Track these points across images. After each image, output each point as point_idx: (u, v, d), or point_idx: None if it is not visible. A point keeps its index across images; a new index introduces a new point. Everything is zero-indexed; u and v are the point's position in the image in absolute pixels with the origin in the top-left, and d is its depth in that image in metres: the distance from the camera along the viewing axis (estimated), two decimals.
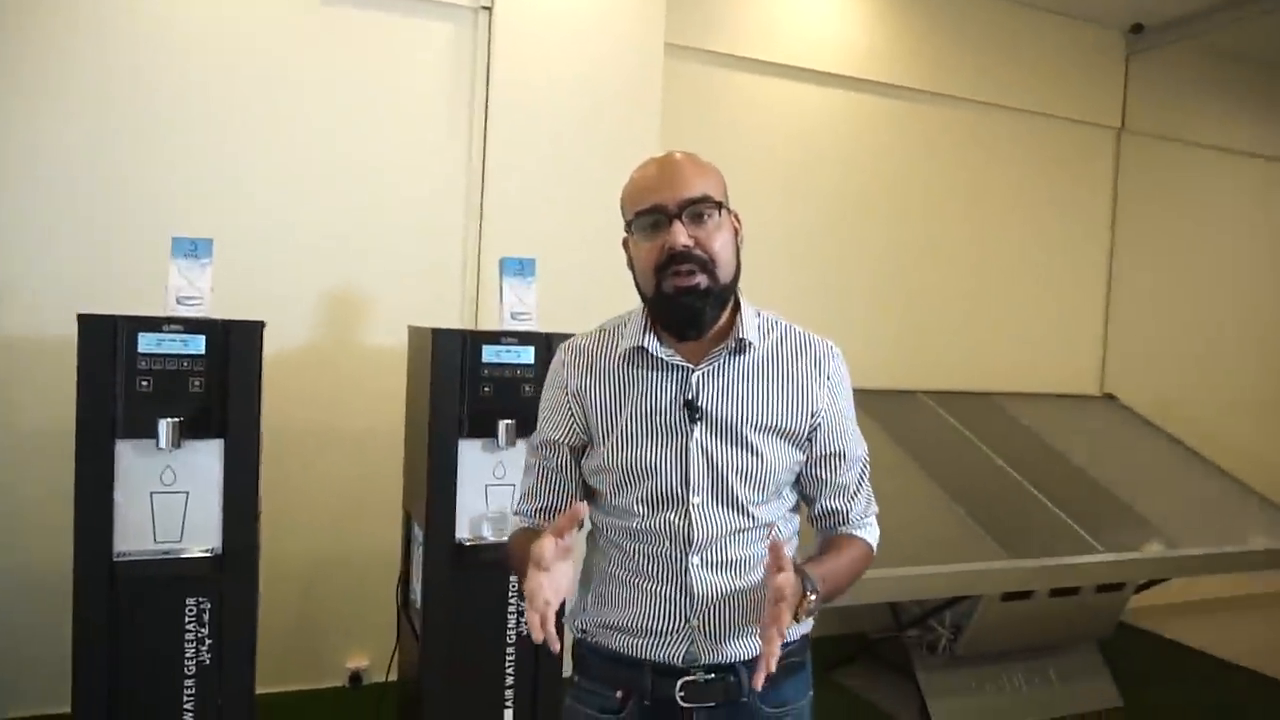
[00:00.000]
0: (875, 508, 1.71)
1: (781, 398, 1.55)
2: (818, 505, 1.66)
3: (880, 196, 4.72)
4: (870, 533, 1.68)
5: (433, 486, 2.67)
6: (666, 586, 1.53)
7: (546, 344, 2.73)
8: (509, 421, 2.68)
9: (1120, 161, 5.32)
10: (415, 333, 3.10)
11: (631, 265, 1.58)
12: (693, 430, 1.51)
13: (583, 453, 1.62)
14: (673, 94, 4.02)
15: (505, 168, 3.73)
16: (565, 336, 2.84)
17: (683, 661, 1.53)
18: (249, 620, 2.51)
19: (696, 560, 1.51)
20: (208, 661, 2.44)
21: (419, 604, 2.90)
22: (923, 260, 4.85)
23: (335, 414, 3.61)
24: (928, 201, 4.85)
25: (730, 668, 1.54)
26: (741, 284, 1.57)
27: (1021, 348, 5.12)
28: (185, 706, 2.41)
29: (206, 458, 2.43)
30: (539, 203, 3.77)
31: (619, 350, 1.58)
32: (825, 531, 1.69)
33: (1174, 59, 5.36)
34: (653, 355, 1.54)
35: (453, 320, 3.74)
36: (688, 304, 1.48)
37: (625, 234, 1.58)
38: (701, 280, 1.47)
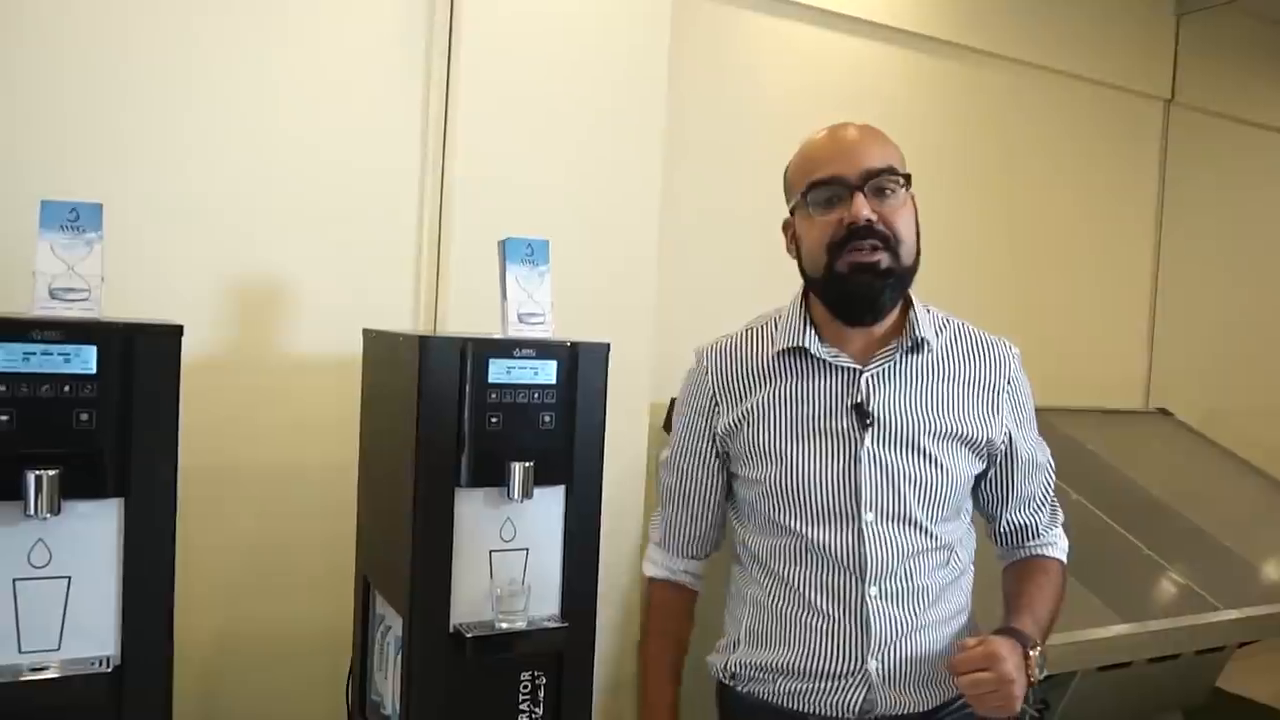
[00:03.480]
0: (1061, 515, 1.72)
1: (963, 401, 1.50)
2: (1002, 521, 1.64)
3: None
4: (1060, 548, 1.68)
5: (418, 555, 2.04)
6: (839, 622, 1.45)
7: (573, 357, 2.14)
8: (525, 465, 2.05)
9: (1169, 138, 4.97)
10: (376, 339, 2.48)
11: (794, 247, 1.56)
12: (863, 438, 1.45)
13: (728, 463, 1.59)
14: (680, 39, 3.50)
15: (475, 136, 3.11)
16: (597, 347, 2.34)
17: (857, 712, 1.46)
18: None
19: (874, 590, 1.44)
20: None
21: (390, 710, 2.32)
22: (948, 247, 4.41)
23: (251, 444, 2.94)
24: (956, 176, 4.39)
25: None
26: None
27: (1061, 354, 4.67)
28: None
29: (98, 525, 1.78)
30: (518, 174, 3.20)
31: (773, 351, 1.54)
32: (1010, 550, 1.67)
33: (1229, 26, 5.03)
34: (814, 356, 1.49)
35: (404, 323, 3.16)
36: (864, 284, 1.43)
37: (790, 213, 1.56)
38: (882, 258, 1.43)
